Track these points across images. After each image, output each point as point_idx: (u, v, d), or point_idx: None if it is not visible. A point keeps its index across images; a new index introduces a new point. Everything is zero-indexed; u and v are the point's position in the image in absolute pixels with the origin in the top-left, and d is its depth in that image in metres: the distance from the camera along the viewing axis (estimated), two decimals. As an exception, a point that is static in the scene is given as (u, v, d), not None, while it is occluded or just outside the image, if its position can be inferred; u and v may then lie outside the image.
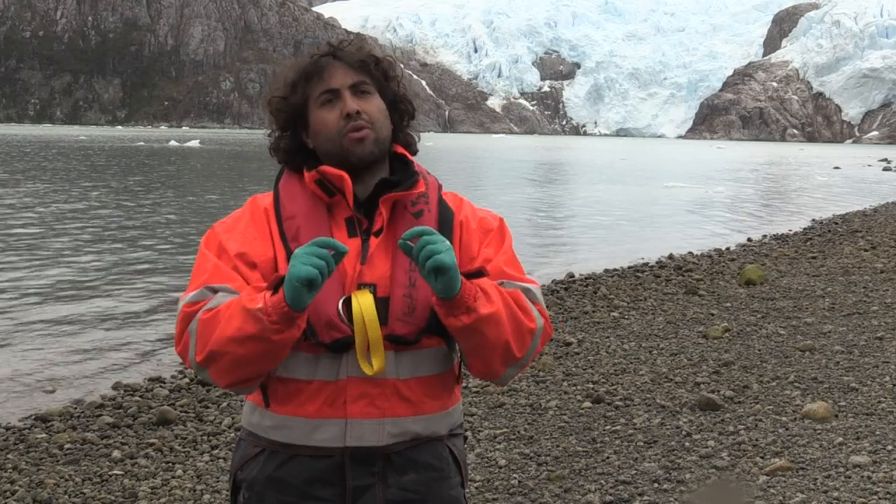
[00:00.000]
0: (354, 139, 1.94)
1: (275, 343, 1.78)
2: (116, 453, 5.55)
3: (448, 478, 2.00)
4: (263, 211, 1.98)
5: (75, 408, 6.72)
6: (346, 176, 1.92)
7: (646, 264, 14.26)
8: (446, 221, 1.99)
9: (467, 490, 2.10)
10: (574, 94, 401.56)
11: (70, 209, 22.63)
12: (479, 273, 1.88)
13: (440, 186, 2.06)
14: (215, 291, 1.87)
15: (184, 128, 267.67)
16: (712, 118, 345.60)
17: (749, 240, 18.12)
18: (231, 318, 1.79)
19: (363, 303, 1.84)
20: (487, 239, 2.02)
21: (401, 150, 2.04)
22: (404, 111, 2.06)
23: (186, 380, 7.51)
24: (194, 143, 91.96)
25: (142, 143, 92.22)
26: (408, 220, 1.95)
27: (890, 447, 5.26)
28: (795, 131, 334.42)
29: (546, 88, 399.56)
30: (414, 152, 2.07)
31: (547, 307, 10.23)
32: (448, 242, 1.79)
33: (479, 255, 1.99)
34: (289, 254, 1.90)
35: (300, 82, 1.99)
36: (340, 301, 1.86)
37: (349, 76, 1.98)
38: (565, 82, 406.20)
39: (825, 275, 12.34)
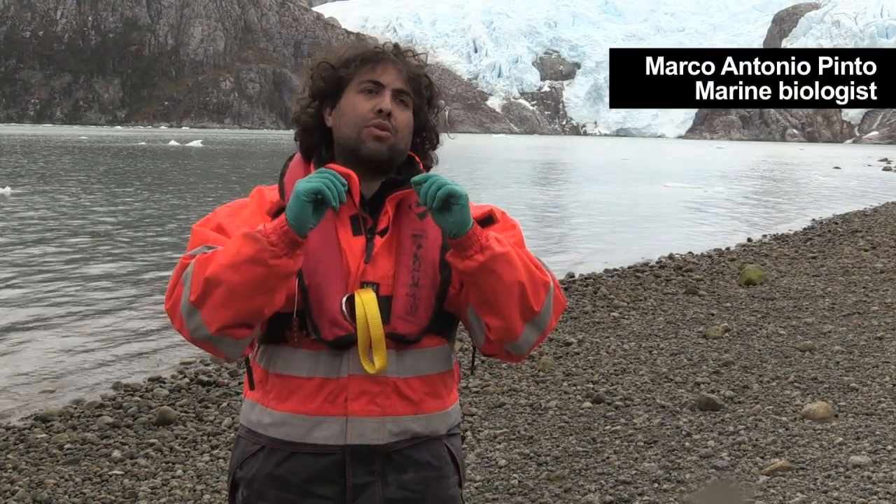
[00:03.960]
0: (374, 135, 1.94)
1: (271, 268, 1.74)
2: (116, 453, 5.55)
3: (446, 477, 2.00)
4: (270, 204, 1.98)
5: (75, 408, 6.72)
6: (353, 174, 1.92)
7: (646, 264, 14.26)
8: None
9: (464, 489, 2.10)
10: (574, 94, 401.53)
11: (73, 209, 22.63)
12: (490, 219, 1.92)
13: None
14: (211, 249, 1.86)
15: (184, 128, 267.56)
16: (712, 118, 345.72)
17: (749, 240, 18.12)
18: (228, 247, 1.78)
19: (366, 301, 1.84)
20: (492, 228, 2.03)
21: (412, 153, 2.05)
22: (427, 139, 2.08)
23: (186, 380, 7.51)
24: (196, 143, 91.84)
25: (143, 143, 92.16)
26: (412, 220, 1.96)
27: (890, 447, 5.26)
28: (795, 131, 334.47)
29: (546, 88, 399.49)
30: (428, 168, 2.08)
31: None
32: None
33: None
34: None
35: (354, 62, 2.00)
36: (343, 299, 1.87)
37: (399, 80, 1.99)
38: (565, 82, 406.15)
39: (825, 275, 12.34)
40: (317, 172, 1.79)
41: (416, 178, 1.82)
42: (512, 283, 1.84)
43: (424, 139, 2.07)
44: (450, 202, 1.78)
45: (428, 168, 2.08)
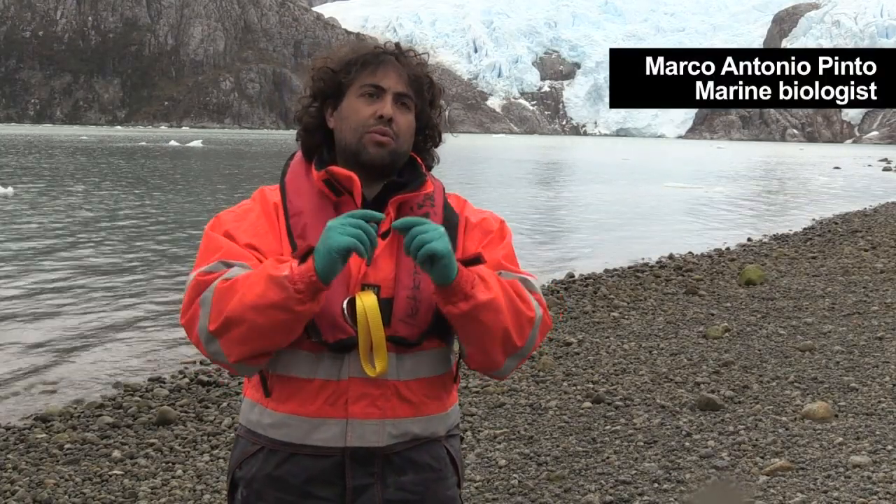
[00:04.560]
0: (375, 141, 1.94)
1: (296, 314, 1.76)
2: (116, 453, 5.55)
3: (445, 478, 2.00)
4: (273, 206, 1.97)
5: (75, 408, 6.72)
6: (354, 177, 1.92)
7: (646, 264, 14.26)
8: (451, 223, 2.00)
9: (463, 490, 2.10)
10: (574, 94, 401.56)
11: (75, 209, 22.62)
12: (477, 260, 1.87)
13: (444, 189, 2.07)
14: (230, 266, 1.85)
15: (184, 128, 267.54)
16: (712, 118, 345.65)
17: (749, 240, 18.11)
18: (253, 286, 1.76)
19: (367, 304, 1.83)
20: (487, 239, 2.02)
21: (413, 154, 2.04)
22: (429, 137, 2.07)
23: (186, 380, 7.51)
24: (197, 144, 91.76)
25: (144, 143, 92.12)
26: None
27: (890, 447, 5.26)
28: (795, 131, 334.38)
29: (546, 88, 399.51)
30: (429, 168, 2.08)
31: (547, 307, 10.14)
32: (441, 229, 1.79)
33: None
34: (294, 250, 1.89)
35: (355, 65, 1.98)
36: (345, 301, 1.86)
37: (400, 83, 1.98)
38: (565, 82, 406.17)
39: (825, 275, 12.34)
40: (348, 219, 1.75)
41: (397, 224, 1.80)
42: (496, 329, 1.86)
43: (427, 137, 2.06)
44: (431, 260, 1.77)
45: (430, 168, 2.07)
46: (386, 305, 1.87)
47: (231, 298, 1.78)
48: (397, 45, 2.04)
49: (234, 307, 1.77)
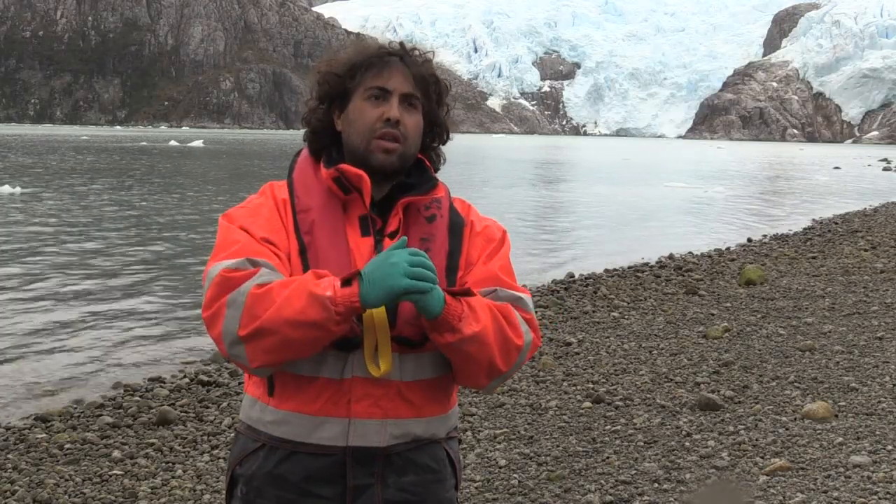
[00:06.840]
0: (383, 148, 1.93)
1: (332, 333, 1.77)
2: (116, 453, 5.55)
3: (444, 480, 2.01)
4: (282, 202, 1.97)
5: (75, 408, 6.72)
6: (364, 176, 1.92)
7: (646, 264, 14.26)
8: (456, 227, 2.00)
9: (460, 492, 2.10)
10: (574, 94, 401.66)
11: (79, 209, 22.62)
12: (466, 293, 1.87)
13: (449, 192, 2.07)
14: (255, 265, 1.83)
15: (184, 128, 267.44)
16: (712, 118, 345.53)
17: (749, 240, 18.12)
18: (292, 300, 1.75)
19: None
20: (489, 248, 2.03)
21: (421, 156, 2.04)
22: (437, 135, 2.06)
23: (186, 380, 7.51)
24: (198, 144, 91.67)
25: (144, 143, 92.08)
26: (420, 224, 1.96)
27: (890, 447, 5.26)
28: (795, 131, 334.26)
29: (546, 88, 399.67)
30: (436, 168, 2.07)
31: (546, 307, 10.04)
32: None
33: (477, 262, 2.00)
34: (301, 247, 1.90)
35: (360, 67, 1.97)
36: None
37: (406, 84, 1.97)
38: (565, 82, 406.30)
39: (825, 275, 12.34)
40: (415, 259, 1.75)
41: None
42: (481, 359, 1.87)
43: (436, 135, 2.06)
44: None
45: (437, 169, 2.07)
46: (392, 306, 1.87)
47: (266, 308, 1.76)
48: (401, 44, 2.02)
49: (269, 318, 1.75)
